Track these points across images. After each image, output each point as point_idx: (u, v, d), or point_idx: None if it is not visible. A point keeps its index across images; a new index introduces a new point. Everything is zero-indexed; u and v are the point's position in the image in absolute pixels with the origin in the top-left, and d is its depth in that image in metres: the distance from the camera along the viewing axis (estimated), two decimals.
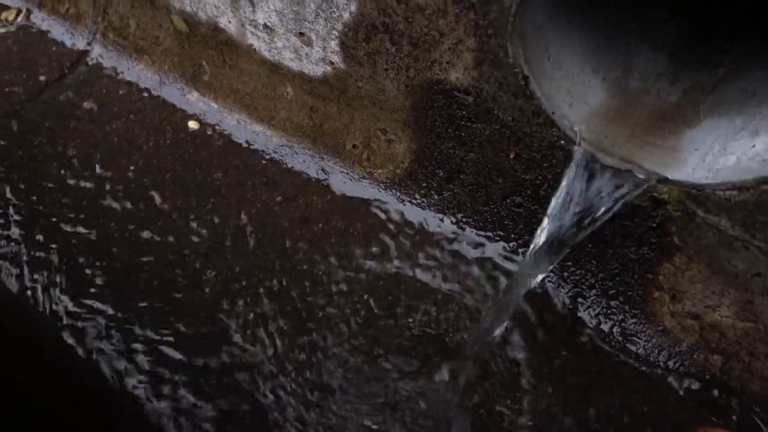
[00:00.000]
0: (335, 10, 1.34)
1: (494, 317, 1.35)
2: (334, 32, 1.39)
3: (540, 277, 1.29)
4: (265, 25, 1.51)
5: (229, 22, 1.58)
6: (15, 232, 1.58)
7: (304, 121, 1.64)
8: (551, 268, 1.32)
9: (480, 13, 1.14)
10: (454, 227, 1.50)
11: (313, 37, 1.44)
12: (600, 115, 1.21)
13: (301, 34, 1.46)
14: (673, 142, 1.17)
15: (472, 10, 1.14)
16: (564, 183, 1.19)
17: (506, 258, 1.45)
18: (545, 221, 1.22)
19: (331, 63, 1.46)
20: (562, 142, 1.23)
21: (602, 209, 1.17)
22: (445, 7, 1.17)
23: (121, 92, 1.87)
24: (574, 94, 1.21)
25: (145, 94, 1.85)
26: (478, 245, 1.47)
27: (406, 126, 1.46)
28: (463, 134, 1.37)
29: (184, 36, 1.74)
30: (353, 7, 1.31)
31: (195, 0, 1.60)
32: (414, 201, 1.54)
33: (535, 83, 1.17)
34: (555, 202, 1.21)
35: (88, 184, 1.66)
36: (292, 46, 1.51)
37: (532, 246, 1.25)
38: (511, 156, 1.33)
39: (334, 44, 1.42)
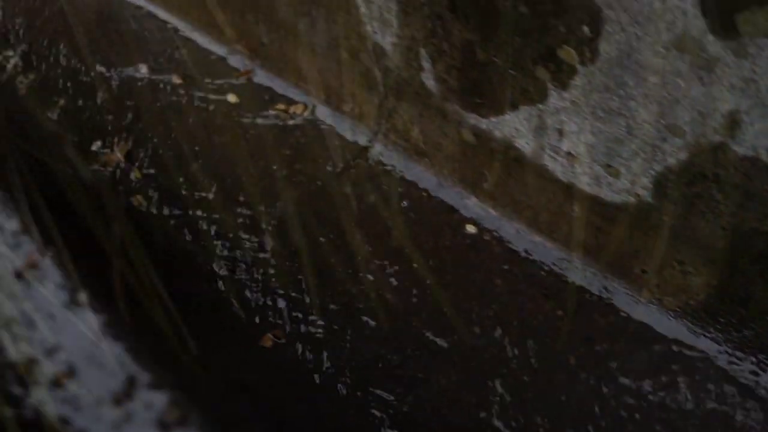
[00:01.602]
0: (660, 154, 1.41)
1: None
2: (651, 171, 1.45)
3: None
4: (569, 153, 1.61)
5: (526, 144, 1.70)
6: (315, 318, 1.79)
7: (588, 239, 1.71)
8: None
9: None
10: (754, 367, 1.49)
11: (623, 171, 1.51)
12: None
13: (609, 166, 1.54)
14: None
15: None
16: None
17: None
18: None
19: (637, 195, 1.53)
20: None
21: None
22: None
23: (400, 190, 2.06)
24: None
25: (424, 194, 2.02)
26: None
27: (710, 262, 1.48)
28: None
29: (468, 146, 1.89)
30: (683, 156, 1.37)
31: (494, 121, 1.74)
32: (708, 334, 1.55)
33: None
34: None
35: (379, 278, 1.84)
36: (593, 174, 1.59)
37: None
38: None
39: (645, 181, 1.48)
